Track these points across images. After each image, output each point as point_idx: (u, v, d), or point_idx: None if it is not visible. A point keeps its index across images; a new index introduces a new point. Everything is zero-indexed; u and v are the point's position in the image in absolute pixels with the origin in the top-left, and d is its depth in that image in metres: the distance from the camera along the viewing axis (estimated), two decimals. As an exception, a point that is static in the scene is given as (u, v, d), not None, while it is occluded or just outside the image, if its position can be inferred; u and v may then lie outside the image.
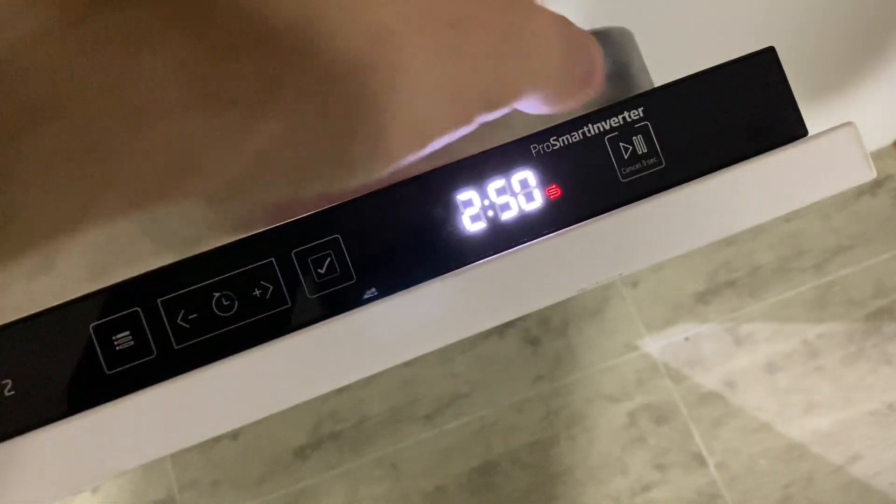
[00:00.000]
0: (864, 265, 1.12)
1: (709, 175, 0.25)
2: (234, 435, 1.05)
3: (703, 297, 1.11)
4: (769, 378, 1.06)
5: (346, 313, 0.25)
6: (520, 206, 0.26)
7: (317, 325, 0.25)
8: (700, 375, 1.07)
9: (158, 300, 0.25)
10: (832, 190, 0.24)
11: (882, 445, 1.02)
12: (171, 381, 0.24)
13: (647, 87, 0.30)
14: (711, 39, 0.50)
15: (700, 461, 1.03)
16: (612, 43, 0.29)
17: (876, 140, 1.18)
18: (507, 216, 0.26)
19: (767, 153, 0.25)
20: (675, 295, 1.11)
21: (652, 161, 0.26)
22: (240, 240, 0.25)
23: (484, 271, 0.24)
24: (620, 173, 0.26)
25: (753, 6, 0.55)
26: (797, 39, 0.65)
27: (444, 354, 1.09)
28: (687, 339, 1.08)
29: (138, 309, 0.25)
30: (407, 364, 1.10)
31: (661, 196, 0.25)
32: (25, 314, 0.25)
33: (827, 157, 0.24)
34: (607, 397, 1.06)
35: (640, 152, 0.26)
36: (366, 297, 0.25)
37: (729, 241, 1.14)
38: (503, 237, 0.26)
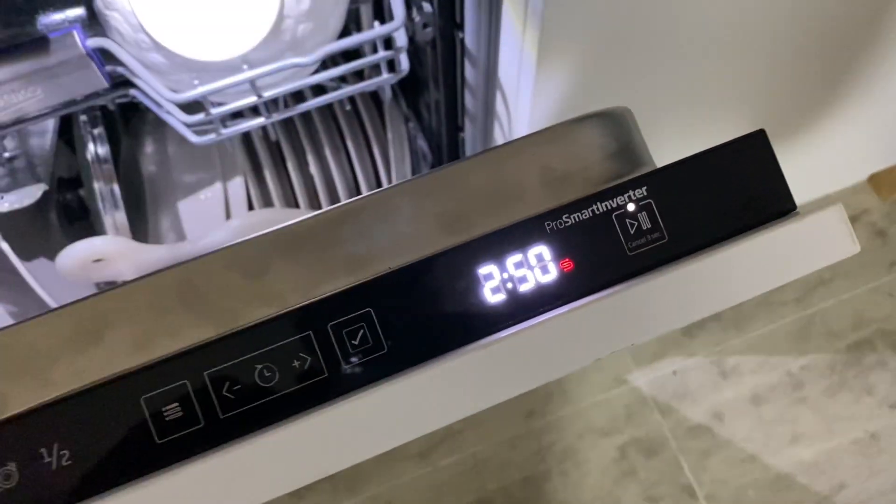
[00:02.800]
0: (844, 297, 1.15)
1: (708, 249, 0.28)
2: (229, 475, 1.06)
3: (690, 331, 1.13)
4: (755, 410, 1.08)
5: (378, 383, 0.27)
6: (536, 279, 0.28)
7: (352, 394, 0.26)
8: (688, 408, 1.09)
9: (205, 373, 0.27)
10: (823, 263, 0.27)
11: (867, 474, 1.04)
12: (218, 449, 0.26)
13: (648, 162, 0.32)
14: (702, 113, 0.53)
15: (690, 493, 1.04)
16: (615, 121, 0.32)
17: (852, 175, 1.21)
18: (524, 288, 0.28)
19: (761, 229, 0.28)
20: (662, 329, 1.13)
21: (656, 236, 0.28)
22: (280, 314, 0.27)
23: (504, 344, 0.26)
24: (627, 247, 0.28)
25: (733, 68, 0.58)
26: (769, 79, 0.68)
27: (437, 391, 1.10)
28: (674, 372, 1.11)
29: (186, 381, 0.27)
30: (400, 401, 1.11)
31: (665, 270, 0.27)
32: (78, 386, 0.27)
33: (817, 235, 0.27)
34: (598, 431, 1.08)
35: (644, 228, 0.28)
36: (397, 367, 0.27)
37: (712, 276, 1.17)
38: (521, 308, 0.28)
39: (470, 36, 0.58)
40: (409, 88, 0.79)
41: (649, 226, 0.28)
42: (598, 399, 1.10)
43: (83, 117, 0.65)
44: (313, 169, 0.74)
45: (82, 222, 0.77)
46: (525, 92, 0.57)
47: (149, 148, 0.73)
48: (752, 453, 1.06)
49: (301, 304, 0.27)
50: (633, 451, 1.06)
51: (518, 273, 0.28)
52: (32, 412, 0.26)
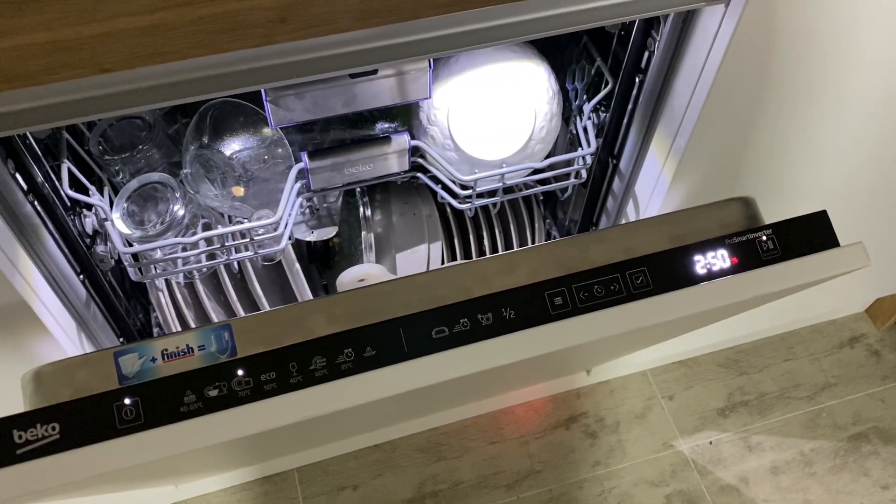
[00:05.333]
0: (845, 399, 1.46)
1: (800, 257, 0.61)
2: (354, 486, 1.33)
3: (723, 412, 1.43)
4: (774, 478, 1.36)
5: (649, 299, 0.59)
6: (720, 265, 0.61)
7: (636, 301, 0.58)
8: (720, 472, 1.37)
9: (572, 286, 0.59)
10: (854, 267, 0.59)
11: (861, 538, 1.31)
12: (576, 317, 0.57)
13: (762, 219, 0.65)
14: (794, 197, 0.88)
15: (721, 537, 1.31)
16: (748, 201, 0.65)
17: (852, 307, 1.55)
18: (714, 268, 0.61)
19: (825, 250, 0.61)
20: (702, 408, 1.43)
21: (775, 252, 0.61)
22: (603, 266, 0.60)
23: (703, 289, 0.59)
24: (763, 255, 0.61)
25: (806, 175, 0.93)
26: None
27: (522, 439, 1.39)
28: (711, 442, 1.40)
29: (563, 289, 0.58)
30: (492, 442, 1.39)
31: (780, 265, 0.60)
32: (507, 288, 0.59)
33: (850, 255, 0.60)
34: (649, 482, 1.35)
35: (769, 248, 0.61)
36: (657, 292, 0.59)
37: (741, 372, 1.48)
38: (711, 275, 0.60)
39: (623, 162, 0.93)
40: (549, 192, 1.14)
41: (772, 248, 0.61)
42: (650, 458, 1.38)
43: (358, 189, 0.99)
44: (486, 241, 1.07)
45: (319, 264, 1.10)
46: (655, 201, 0.91)
47: (377, 216, 1.07)
48: (771, 512, 1.33)
49: (613, 262, 0.60)
50: (677, 501, 1.34)
51: (712, 261, 0.61)
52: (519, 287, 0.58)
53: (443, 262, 1.06)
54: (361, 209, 0.98)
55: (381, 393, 0.54)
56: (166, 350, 0.56)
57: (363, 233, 0.98)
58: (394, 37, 0.59)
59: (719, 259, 0.61)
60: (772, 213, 0.67)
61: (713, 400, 1.45)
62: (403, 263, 1.06)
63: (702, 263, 0.61)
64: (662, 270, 0.60)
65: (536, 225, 1.11)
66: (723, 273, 0.60)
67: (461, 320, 0.57)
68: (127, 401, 0.53)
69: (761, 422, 1.43)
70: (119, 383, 0.55)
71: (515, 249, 0.61)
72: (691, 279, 0.60)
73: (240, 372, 0.54)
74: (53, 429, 0.52)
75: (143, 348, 0.56)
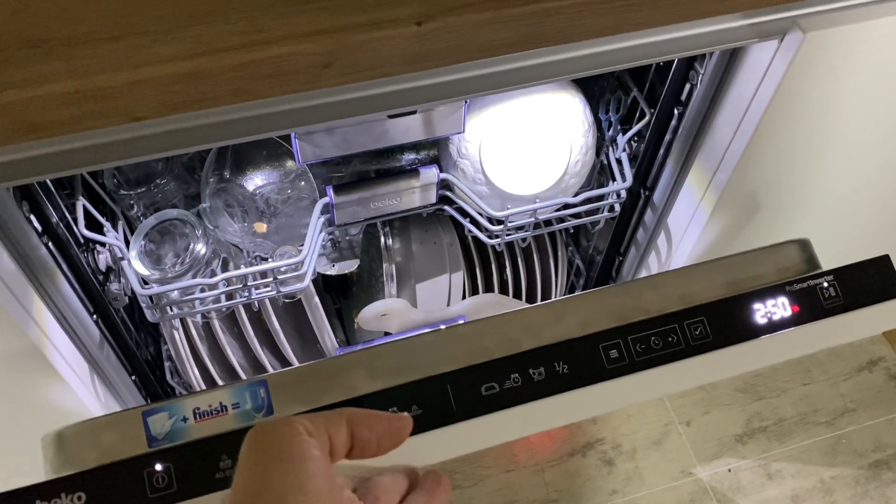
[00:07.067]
0: (866, 425, 1.43)
1: (863, 307, 0.58)
2: (367, 519, 1.29)
3: (742, 439, 1.40)
4: (795, 507, 1.34)
5: (709, 352, 0.55)
6: (781, 313, 0.58)
7: (695, 356, 0.55)
8: (740, 500, 1.34)
9: (629, 337, 0.55)
10: (919, 317, 0.56)
11: (885, 568, 1.28)
12: (634, 373, 0.54)
13: (818, 263, 0.62)
14: (843, 239, 0.86)
15: (743, 569, 1.28)
16: (804, 243, 0.62)
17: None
18: (775, 317, 0.58)
19: (890, 300, 0.58)
20: (720, 434, 1.41)
21: (837, 300, 0.58)
22: (660, 315, 0.56)
23: (770, 341, 0.56)
24: (824, 304, 0.58)
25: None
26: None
27: (538, 467, 1.36)
28: (729, 470, 1.37)
29: (620, 340, 0.55)
30: (507, 471, 1.36)
31: (842, 315, 0.57)
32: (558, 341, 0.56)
33: (915, 303, 0.57)
34: (668, 512, 1.32)
35: (832, 295, 0.58)
36: (717, 346, 0.56)
37: (759, 397, 1.45)
38: (773, 327, 0.57)
39: (657, 194, 0.90)
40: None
41: (834, 294, 0.58)
42: (668, 486, 1.35)
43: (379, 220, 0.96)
44: (509, 271, 1.04)
45: (334, 292, 1.07)
46: (691, 235, 0.88)
47: (396, 244, 1.03)
48: (793, 542, 1.30)
49: (673, 311, 0.57)
50: (697, 531, 1.31)
51: (772, 309, 0.58)
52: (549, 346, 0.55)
53: (464, 293, 1.03)
54: (382, 239, 0.95)
55: (429, 459, 0.51)
56: (198, 409, 0.53)
57: (384, 264, 0.94)
58: (440, 76, 0.56)
59: (780, 307, 0.58)
60: (818, 253, 0.64)
61: (731, 426, 1.42)
62: (424, 294, 1.02)
63: (762, 312, 0.58)
64: (721, 320, 0.57)
65: (560, 253, 1.08)
66: (784, 323, 0.57)
67: (512, 375, 0.54)
68: (158, 467, 0.49)
69: (780, 448, 1.40)
70: (148, 445, 0.52)
71: (564, 297, 0.58)
72: (752, 329, 0.57)
73: (279, 435, 0.50)
74: (79, 499, 0.48)
75: (174, 407, 0.53)
